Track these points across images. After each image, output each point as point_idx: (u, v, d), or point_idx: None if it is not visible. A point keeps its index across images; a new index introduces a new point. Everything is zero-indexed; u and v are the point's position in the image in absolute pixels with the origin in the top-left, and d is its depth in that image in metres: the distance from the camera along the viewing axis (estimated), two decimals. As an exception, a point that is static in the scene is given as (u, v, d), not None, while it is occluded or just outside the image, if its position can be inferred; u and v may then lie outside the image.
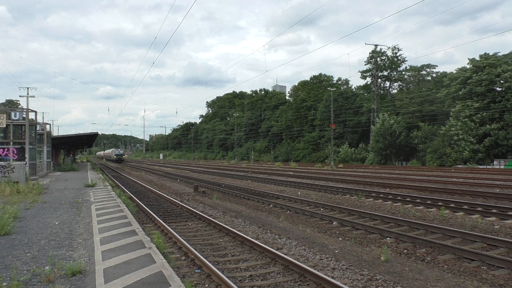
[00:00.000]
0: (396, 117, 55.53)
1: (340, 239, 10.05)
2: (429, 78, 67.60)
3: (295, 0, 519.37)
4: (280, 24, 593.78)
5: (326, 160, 63.04)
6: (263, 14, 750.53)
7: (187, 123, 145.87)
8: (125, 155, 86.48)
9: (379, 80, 66.52)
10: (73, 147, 66.70)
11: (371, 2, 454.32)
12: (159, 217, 12.51)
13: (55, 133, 66.78)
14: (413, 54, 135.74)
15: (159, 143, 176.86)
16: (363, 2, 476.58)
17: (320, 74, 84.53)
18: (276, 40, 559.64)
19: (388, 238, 9.81)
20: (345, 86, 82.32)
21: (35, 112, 29.24)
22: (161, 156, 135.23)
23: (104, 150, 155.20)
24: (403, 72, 67.84)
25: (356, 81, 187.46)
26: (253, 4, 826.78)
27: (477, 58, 47.65)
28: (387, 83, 69.64)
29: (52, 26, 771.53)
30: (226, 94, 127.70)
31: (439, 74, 65.64)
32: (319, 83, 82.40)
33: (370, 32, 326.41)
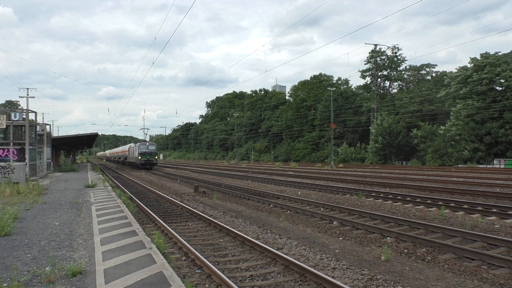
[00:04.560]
0: (394, 116, 55.51)
1: (340, 238, 10.05)
2: (429, 77, 67.63)
3: (300, 0, 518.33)
4: (284, 24, 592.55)
5: (326, 160, 63.03)
6: (266, 14, 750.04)
7: (187, 123, 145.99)
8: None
9: (379, 79, 66.53)
10: (73, 148, 66.73)
11: (374, 2, 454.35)
12: (159, 218, 12.50)
13: (55, 133, 66.76)
14: (415, 54, 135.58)
15: (159, 143, 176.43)
16: (367, 2, 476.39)
17: (320, 74, 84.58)
18: (280, 40, 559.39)
19: (388, 238, 9.80)
20: (345, 86, 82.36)
21: (35, 112, 29.25)
22: (161, 156, 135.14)
23: (104, 150, 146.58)
24: (403, 72, 67.90)
25: (357, 81, 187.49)
26: (256, 5, 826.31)
27: (479, 58, 47.67)
28: (387, 83, 69.72)
29: (55, 27, 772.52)
30: (226, 94, 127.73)
31: (439, 73, 65.66)
32: (319, 83, 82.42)
33: (373, 32, 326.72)
